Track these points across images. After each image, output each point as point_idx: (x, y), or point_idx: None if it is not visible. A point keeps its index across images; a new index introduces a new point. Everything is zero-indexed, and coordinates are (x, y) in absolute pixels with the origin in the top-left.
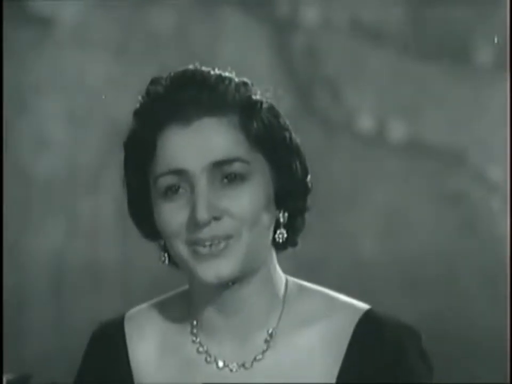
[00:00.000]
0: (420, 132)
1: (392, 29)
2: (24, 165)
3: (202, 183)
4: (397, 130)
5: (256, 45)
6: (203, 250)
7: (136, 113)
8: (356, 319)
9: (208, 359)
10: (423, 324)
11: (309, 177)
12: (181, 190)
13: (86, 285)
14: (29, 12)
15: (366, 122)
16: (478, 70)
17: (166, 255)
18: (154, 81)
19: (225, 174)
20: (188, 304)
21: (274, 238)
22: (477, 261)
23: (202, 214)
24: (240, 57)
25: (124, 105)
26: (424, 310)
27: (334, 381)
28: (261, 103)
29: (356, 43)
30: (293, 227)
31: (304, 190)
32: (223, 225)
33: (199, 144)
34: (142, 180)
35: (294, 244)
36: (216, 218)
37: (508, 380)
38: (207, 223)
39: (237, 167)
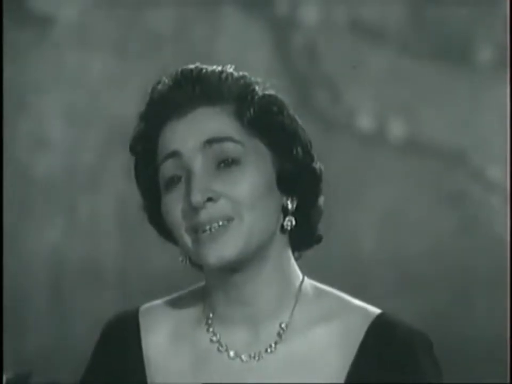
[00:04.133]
0: (420, 132)
1: (392, 28)
2: (24, 164)
3: (196, 166)
4: (397, 130)
5: (255, 44)
6: (203, 236)
7: (140, 117)
8: (368, 321)
9: (220, 348)
10: (422, 324)
11: (316, 164)
12: (182, 179)
13: (85, 284)
14: (29, 11)
15: (365, 122)
16: (478, 70)
17: (185, 256)
18: (155, 85)
19: (220, 157)
20: (203, 299)
21: (282, 226)
22: (477, 260)
23: (196, 196)
24: (240, 57)
25: (123, 105)
26: (424, 310)
27: (342, 380)
28: (257, 92)
29: (355, 42)
30: (307, 216)
31: (311, 175)
32: (221, 207)
33: (191, 128)
34: (151, 181)
35: (316, 238)
36: (212, 200)
37: (508, 380)
38: (202, 206)
39: (230, 147)
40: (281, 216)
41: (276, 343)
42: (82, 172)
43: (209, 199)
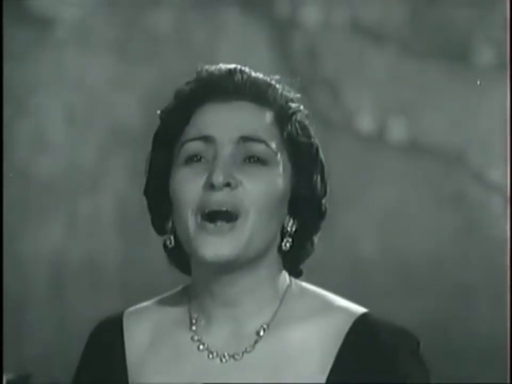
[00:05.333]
0: (420, 132)
1: (392, 29)
2: (24, 165)
3: (225, 152)
4: (397, 131)
5: (256, 45)
6: (209, 226)
7: (179, 91)
8: (351, 321)
9: (201, 347)
10: (422, 325)
11: (325, 201)
12: (202, 160)
13: (85, 284)
14: (29, 11)
15: (366, 122)
16: (478, 70)
17: (172, 237)
18: (202, 68)
19: (249, 154)
20: (189, 299)
21: (280, 247)
22: (477, 261)
23: (218, 176)
24: (240, 57)
25: (124, 105)
26: (424, 311)
27: (324, 379)
28: (301, 112)
29: (356, 43)
30: (301, 247)
31: (318, 208)
32: (235, 195)
33: (232, 119)
34: (167, 153)
35: (298, 272)
36: (230, 186)
37: (508, 380)
38: (220, 187)
39: (261, 149)
40: (279, 234)
41: (255, 343)
42: (82, 172)
43: (228, 184)
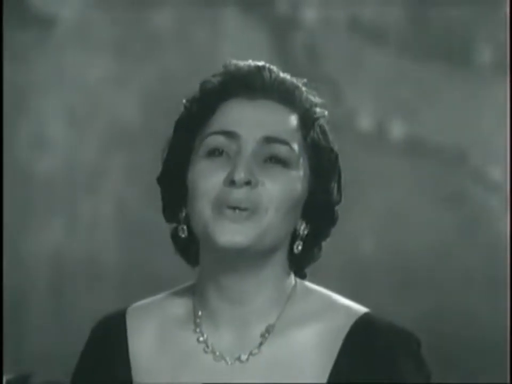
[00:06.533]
0: (420, 132)
1: (392, 29)
2: (24, 164)
3: (248, 150)
4: (397, 130)
5: (256, 45)
6: (227, 211)
7: (204, 82)
8: (351, 321)
9: (206, 349)
10: (422, 324)
11: (337, 208)
12: (224, 154)
13: (85, 284)
14: (30, 11)
15: (366, 122)
16: (478, 70)
17: (185, 227)
18: (230, 62)
19: (272, 154)
20: (193, 296)
21: (290, 249)
22: (477, 260)
23: (240, 174)
24: (240, 57)
25: (124, 105)
26: (424, 310)
27: (325, 379)
28: (323, 116)
29: (355, 43)
30: (310, 251)
31: (331, 214)
32: (255, 194)
33: (258, 117)
34: (187, 142)
35: (302, 275)
36: (250, 184)
37: (508, 380)
38: (241, 184)
39: (284, 151)
40: (290, 236)
41: (260, 345)
42: (82, 172)
43: (248, 183)
